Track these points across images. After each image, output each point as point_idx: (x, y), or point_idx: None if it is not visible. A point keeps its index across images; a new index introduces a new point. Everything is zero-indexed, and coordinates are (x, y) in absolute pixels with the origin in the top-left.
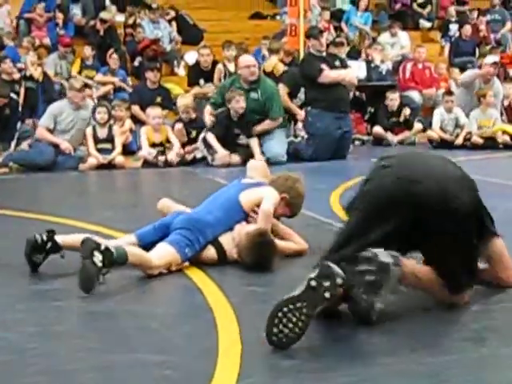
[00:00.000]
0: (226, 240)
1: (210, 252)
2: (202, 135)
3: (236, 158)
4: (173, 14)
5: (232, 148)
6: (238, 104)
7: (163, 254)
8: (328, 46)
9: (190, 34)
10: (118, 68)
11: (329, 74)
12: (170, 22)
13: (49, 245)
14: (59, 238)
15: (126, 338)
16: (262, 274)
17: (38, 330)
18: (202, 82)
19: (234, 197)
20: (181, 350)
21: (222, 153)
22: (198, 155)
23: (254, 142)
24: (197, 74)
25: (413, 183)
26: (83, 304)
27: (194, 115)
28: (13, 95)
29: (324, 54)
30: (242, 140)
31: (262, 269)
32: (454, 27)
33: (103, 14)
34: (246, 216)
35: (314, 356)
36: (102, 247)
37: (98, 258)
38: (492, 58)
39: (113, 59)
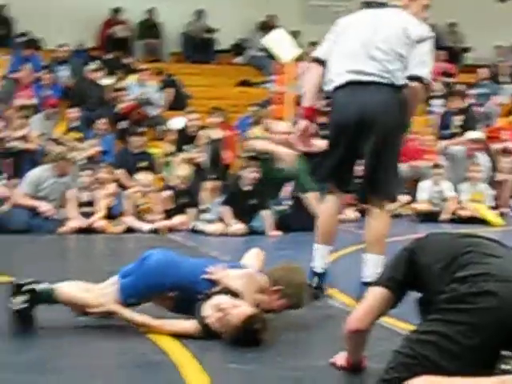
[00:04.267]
0: (207, 312)
1: (191, 324)
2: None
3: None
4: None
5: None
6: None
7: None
8: None
9: (176, 99)
10: (105, 132)
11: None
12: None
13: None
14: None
15: None
16: (247, 349)
17: None
18: (186, 147)
19: (207, 264)
20: None
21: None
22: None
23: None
24: (184, 139)
25: None
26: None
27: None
28: None
29: None
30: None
31: (248, 345)
32: (435, 102)
33: (87, 73)
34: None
35: None
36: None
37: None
38: (473, 134)
39: (101, 123)
